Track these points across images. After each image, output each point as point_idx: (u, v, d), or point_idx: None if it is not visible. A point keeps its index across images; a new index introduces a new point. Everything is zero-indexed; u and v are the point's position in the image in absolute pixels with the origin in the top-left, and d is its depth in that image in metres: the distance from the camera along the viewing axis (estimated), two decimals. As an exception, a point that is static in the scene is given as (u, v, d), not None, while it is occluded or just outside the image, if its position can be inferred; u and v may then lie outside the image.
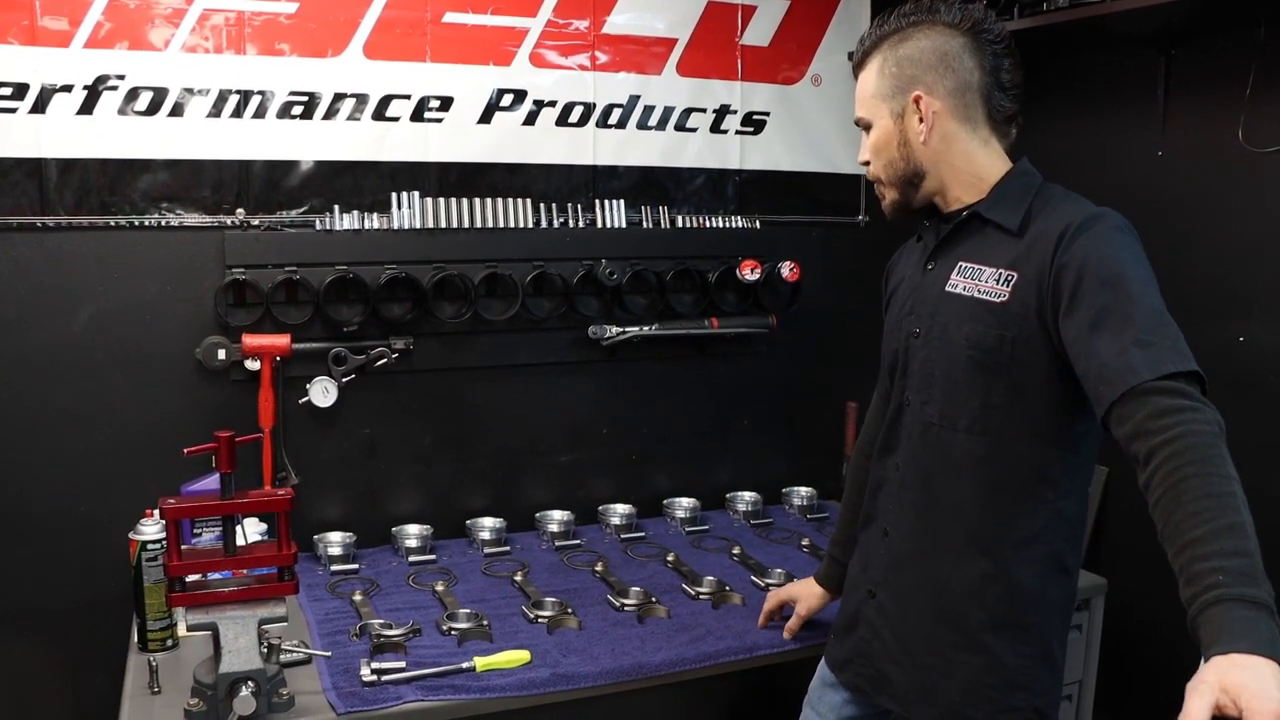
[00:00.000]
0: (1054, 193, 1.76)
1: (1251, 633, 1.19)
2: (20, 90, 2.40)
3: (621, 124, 2.96)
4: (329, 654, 2.05)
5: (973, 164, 1.78)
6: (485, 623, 2.22)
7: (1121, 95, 2.85)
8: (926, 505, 1.81)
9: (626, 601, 2.38)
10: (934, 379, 1.79)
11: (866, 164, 1.88)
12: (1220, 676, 1.14)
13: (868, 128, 1.86)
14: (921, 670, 1.80)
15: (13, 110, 2.40)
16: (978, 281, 1.72)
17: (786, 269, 3.05)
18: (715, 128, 3.08)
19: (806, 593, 2.24)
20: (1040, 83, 3.10)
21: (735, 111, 3.10)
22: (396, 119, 2.73)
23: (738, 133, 3.11)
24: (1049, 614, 1.76)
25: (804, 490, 3.20)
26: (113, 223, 2.52)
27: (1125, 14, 2.42)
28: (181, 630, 2.14)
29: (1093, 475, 1.80)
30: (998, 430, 1.70)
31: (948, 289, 1.77)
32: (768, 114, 3.14)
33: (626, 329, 2.95)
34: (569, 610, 2.31)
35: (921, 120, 1.76)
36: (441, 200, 2.76)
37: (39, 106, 2.42)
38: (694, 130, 3.06)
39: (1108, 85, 2.90)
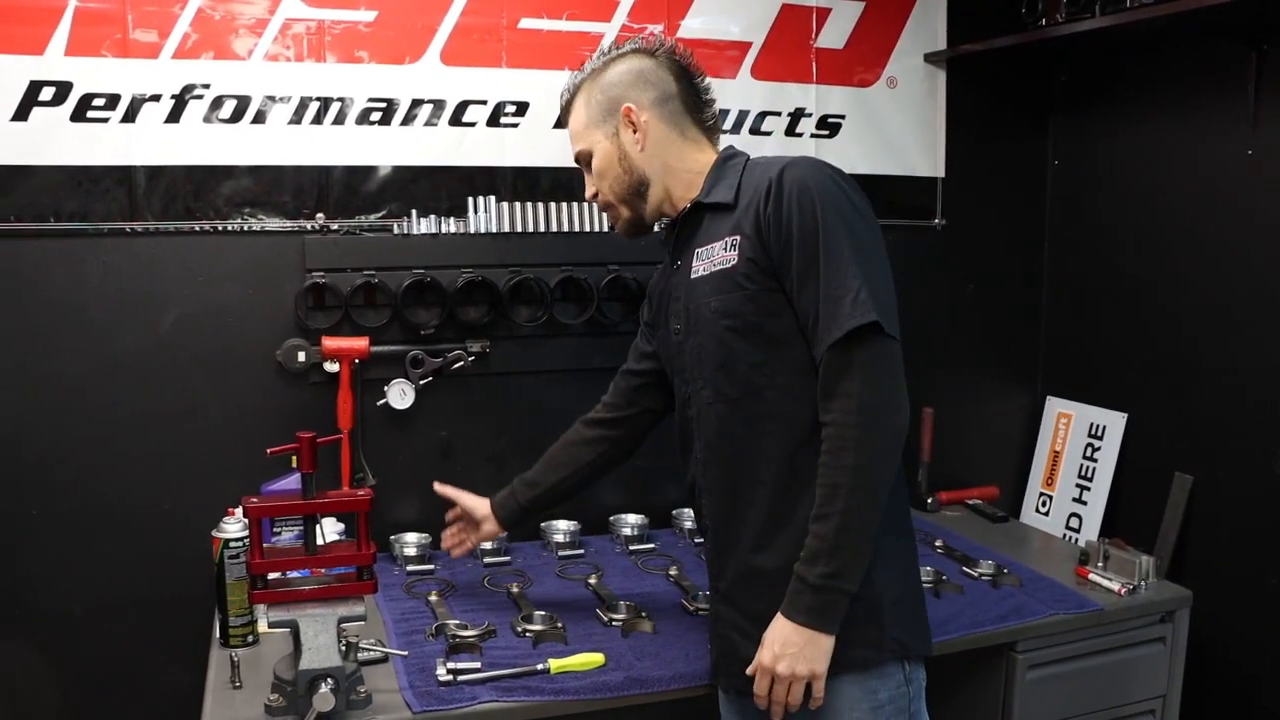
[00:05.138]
0: (758, 162, 1.90)
1: None
2: (112, 101, 2.47)
3: (696, 128, 2.95)
4: (405, 653, 2.07)
5: (686, 162, 1.95)
6: (559, 625, 2.23)
7: (1209, 93, 2.78)
8: (730, 484, 1.87)
9: (700, 606, 2.37)
10: (703, 362, 1.87)
11: (594, 198, 2.04)
12: None
13: (588, 160, 2.01)
14: (762, 628, 1.79)
15: (105, 120, 2.47)
16: (712, 258, 1.84)
17: (862, 273, 3.02)
18: (790, 131, 3.06)
19: (479, 507, 2.40)
20: (1122, 82, 3.07)
21: (810, 115, 3.07)
22: (473, 124, 2.75)
23: (813, 136, 3.09)
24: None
25: (879, 496, 3.16)
26: (197, 228, 2.57)
27: (1213, 9, 2.36)
28: (262, 627, 2.18)
29: None
30: (769, 384, 1.79)
31: (693, 277, 1.88)
32: (843, 117, 3.12)
33: (700, 333, 2.94)
34: (643, 614, 2.30)
35: (635, 130, 1.93)
36: (518, 204, 2.78)
37: (129, 116, 2.49)
38: (769, 134, 3.04)
39: (1194, 83, 2.82)
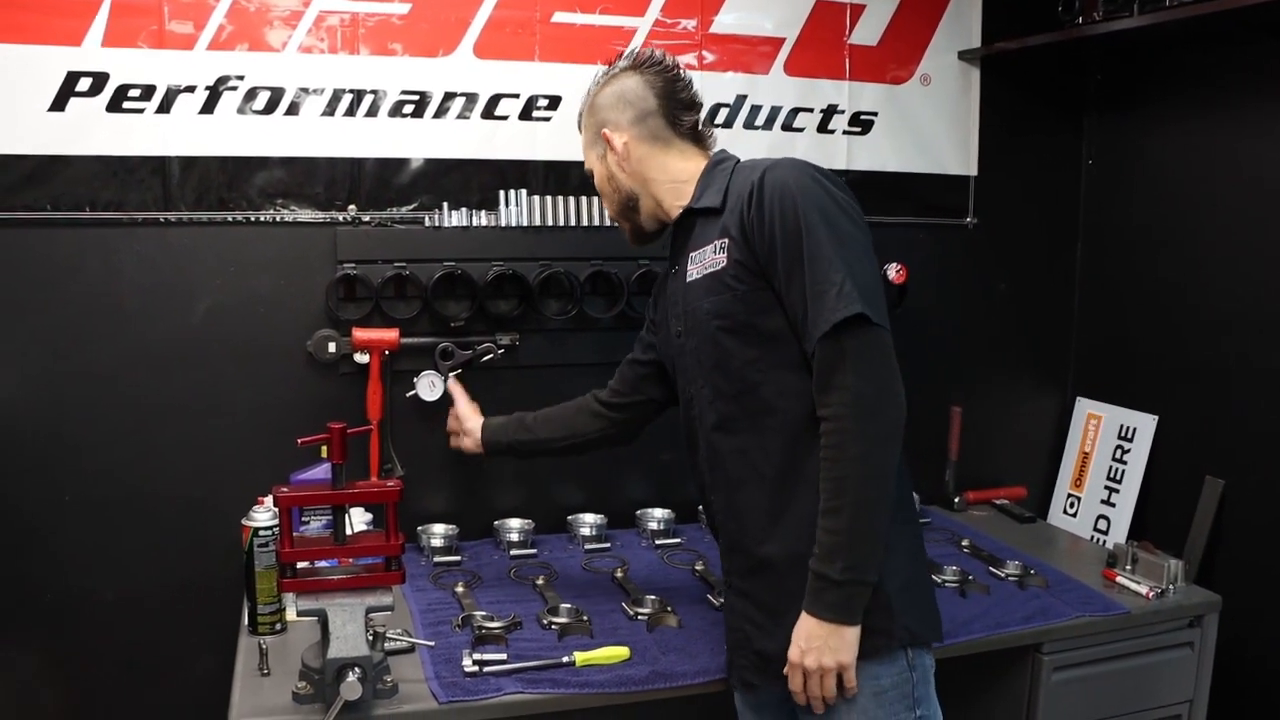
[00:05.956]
0: (746, 165, 1.95)
1: None
2: (148, 91, 2.49)
3: (728, 124, 2.94)
4: (432, 644, 2.08)
5: (670, 173, 2.03)
6: (585, 618, 2.24)
7: (1247, 92, 2.74)
8: (734, 479, 1.90)
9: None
10: (701, 362, 1.93)
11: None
12: None
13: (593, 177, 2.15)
14: (774, 618, 1.86)
15: (140, 111, 2.49)
16: (704, 261, 1.90)
17: (893, 271, 3.00)
18: (822, 127, 3.05)
19: (470, 419, 2.51)
20: (1158, 81, 3.04)
21: (843, 111, 3.06)
22: (505, 117, 2.76)
23: (845, 133, 3.08)
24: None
25: (907, 495, 3.15)
26: (230, 218, 2.59)
27: (1253, 7, 2.33)
28: (291, 615, 2.19)
29: None
30: (765, 380, 1.83)
31: (688, 280, 1.94)
32: (875, 114, 3.10)
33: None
34: (668, 608, 2.31)
35: (615, 152, 2.04)
36: (549, 198, 2.79)
37: (164, 107, 2.51)
38: (801, 130, 3.03)
39: (1232, 82, 2.79)
